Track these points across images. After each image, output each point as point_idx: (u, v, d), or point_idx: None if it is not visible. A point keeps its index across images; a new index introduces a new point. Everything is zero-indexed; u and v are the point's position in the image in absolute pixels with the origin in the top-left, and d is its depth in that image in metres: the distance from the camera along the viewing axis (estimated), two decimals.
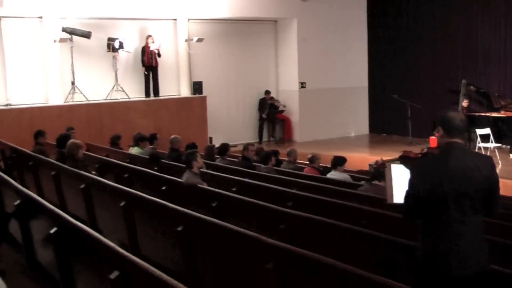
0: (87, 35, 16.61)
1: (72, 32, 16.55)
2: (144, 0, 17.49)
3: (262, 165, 11.05)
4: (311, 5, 21.08)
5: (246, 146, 11.66)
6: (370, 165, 13.97)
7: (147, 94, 18.15)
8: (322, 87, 21.69)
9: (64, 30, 16.58)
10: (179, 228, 5.33)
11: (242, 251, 4.99)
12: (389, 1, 22.45)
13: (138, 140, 12.45)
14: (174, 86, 19.20)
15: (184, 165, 8.43)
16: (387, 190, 5.13)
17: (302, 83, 21.41)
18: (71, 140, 9.14)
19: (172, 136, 11.90)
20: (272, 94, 21.29)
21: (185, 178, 7.83)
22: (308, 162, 12.14)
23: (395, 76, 22.26)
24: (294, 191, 8.14)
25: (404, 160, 9.87)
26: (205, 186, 7.64)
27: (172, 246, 5.64)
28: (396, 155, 15.95)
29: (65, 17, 16.86)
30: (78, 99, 16.64)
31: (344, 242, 5.60)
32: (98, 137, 15.47)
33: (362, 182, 9.72)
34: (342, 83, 22.24)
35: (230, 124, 20.56)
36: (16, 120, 15.41)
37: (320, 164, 12.10)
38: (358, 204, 7.48)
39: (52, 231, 4.75)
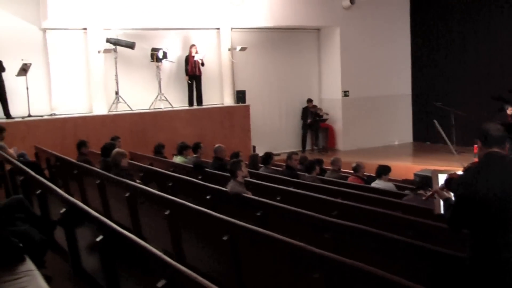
0: (131, 45, 16.78)
1: (116, 42, 16.75)
2: (188, 10, 17.58)
3: (306, 174, 10.98)
4: (354, 13, 20.99)
5: (290, 155, 11.61)
6: (415, 174, 13.79)
7: (191, 103, 18.22)
8: (365, 95, 21.54)
9: (108, 41, 16.80)
10: (225, 238, 5.29)
11: (288, 261, 4.93)
12: (432, 8, 22.17)
13: (182, 149, 12.47)
14: (217, 95, 19.30)
15: (228, 174, 8.40)
16: (434, 200, 5.02)
17: (345, 91, 21.29)
18: (116, 149, 9.20)
19: (216, 145, 11.90)
20: (315, 103, 21.25)
21: (230, 187, 7.79)
22: (352, 171, 12.04)
23: (439, 84, 21.96)
24: (338, 200, 8.05)
25: (449, 183, 9.67)
26: (250, 195, 7.59)
27: (217, 255, 5.61)
28: (441, 164, 15.76)
29: (109, 28, 17.12)
30: (122, 108, 16.79)
31: (390, 252, 5.49)
32: (142, 146, 15.58)
33: (407, 192, 9.57)
34: (385, 91, 22.05)
35: (273, 133, 20.55)
36: (61, 130, 15.61)
37: (364, 173, 11.97)
38: (403, 214, 7.35)
39: (98, 239, 4.76)
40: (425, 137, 22.44)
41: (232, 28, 19.27)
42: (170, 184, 9.01)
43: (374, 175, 11.22)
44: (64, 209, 5.91)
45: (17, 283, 4.67)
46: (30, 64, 15.45)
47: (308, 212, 6.54)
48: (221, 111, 18.46)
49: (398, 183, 11.92)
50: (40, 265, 5.42)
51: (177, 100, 18.10)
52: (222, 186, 8.14)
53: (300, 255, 4.75)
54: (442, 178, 4.94)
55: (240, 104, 18.82)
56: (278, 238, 4.98)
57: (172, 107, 17.62)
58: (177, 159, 12.32)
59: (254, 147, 18.68)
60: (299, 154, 13.86)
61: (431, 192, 4.90)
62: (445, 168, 13.67)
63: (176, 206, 6.39)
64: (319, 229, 6.15)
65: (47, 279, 4.87)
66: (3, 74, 15.37)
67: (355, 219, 6.42)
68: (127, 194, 7.36)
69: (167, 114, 17.26)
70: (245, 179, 8.28)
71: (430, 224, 6.43)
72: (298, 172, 11.47)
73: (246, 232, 5.32)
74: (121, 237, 4.57)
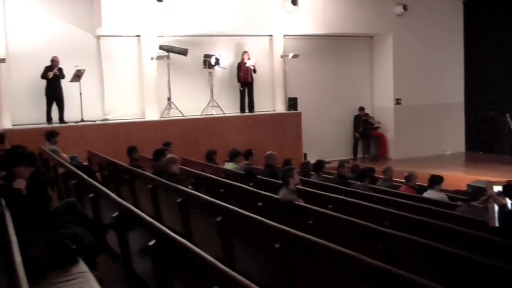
0: (184, 52, 16.93)
1: (169, 49, 16.93)
2: (240, 16, 17.67)
3: (358, 182, 10.87)
4: (407, 20, 20.78)
5: (342, 163, 11.51)
6: (468, 185, 13.50)
7: (242, 109, 18.29)
8: (417, 103, 21.29)
9: (161, 47, 17.01)
10: (277, 245, 5.25)
11: (340, 270, 4.86)
12: (486, 15, 21.78)
13: (233, 156, 12.49)
14: (269, 102, 19.31)
15: (280, 181, 8.36)
16: (489, 212, 4.89)
17: (397, 99, 21.08)
18: (169, 155, 9.27)
19: (268, 152, 11.89)
20: (367, 111, 21.09)
21: (282, 194, 7.75)
22: (404, 180, 11.88)
23: (492, 92, 21.56)
24: (390, 210, 7.93)
25: (508, 189, 9.42)
26: (302, 203, 7.54)
27: (268, 263, 5.57)
28: (494, 175, 15.43)
29: (162, 35, 17.33)
30: (173, 114, 16.95)
31: (442, 264, 5.39)
32: (193, 152, 15.66)
33: (459, 203, 9.39)
34: (437, 99, 21.76)
35: (325, 141, 20.44)
36: (113, 135, 15.85)
37: (416, 183, 11.80)
38: (455, 225, 7.20)
39: (151, 243, 4.77)
40: (478, 147, 22.03)
41: (284, 35, 19.28)
42: (221, 191, 9.01)
43: (426, 185, 11.06)
44: (116, 213, 5.96)
45: (70, 284, 4.73)
46: (84, 70, 15.76)
47: (361, 222, 6.45)
48: (273, 118, 18.46)
49: (450, 194, 11.68)
50: (92, 267, 5.48)
51: (229, 107, 18.19)
52: (273, 193, 8.10)
53: (353, 265, 4.68)
54: (497, 190, 4.84)
55: (292, 111, 18.78)
56: (331, 247, 4.92)
57: (224, 113, 17.71)
58: (229, 166, 12.34)
59: (305, 154, 18.61)
60: (351, 162, 13.72)
61: (486, 197, 4.77)
62: (499, 179, 13.43)
63: (228, 212, 6.38)
64: (371, 239, 6.08)
65: (99, 281, 4.92)
66: (62, 81, 15.72)
67: (407, 229, 6.31)
68: (179, 200, 7.38)
69: (219, 120, 17.35)
70: (297, 186, 8.24)
71: (483, 237, 6.29)
72: (350, 181, 11.35)
73: (298, 240, 5.26)
74: (174, 243, 4.58)
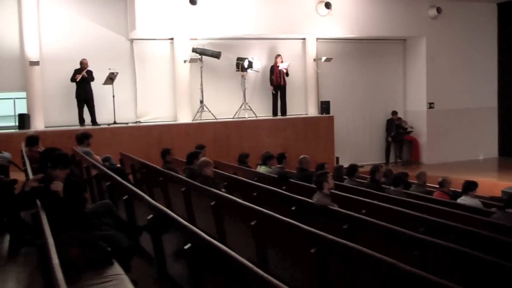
0: (217, 55, 16.99)
1: (202, 52, 17.00)
2: (274, 20, 17.67)
3: (392, 188, 10.76)
4: (440, 23, 20.59)
5: (377, 168, 11.39)
6: (503, 191, 13.33)
7: (275, 113, 18.28)
8: (450, 107, 21.08)
9: (194, 50, 17.07)
10: (312, 250, 5.21)
11: (377, 277, 4.81)
12: None
13: (266, 159, 12.43)
14: (301, 105, 19.29)
15: (313, 186, 8.31)
16: None
17: (430, 103, 20.87)
18: (203, 158, 9.26)
19: (302, 156, 11.83)
20: (400, 115, 20.90)
21: (316, 199, 7.70)
22: (437, 186, 11.74)
23: None
24: (424, 216, 7.84)
25: None
26: (336, 208, 7.48)
27: (303, 268, 5.53)
28: None
29: (195, 38, 17.40)
30: (206, 117, 17.02)
31: (478, 272, 5.30)
32: (225, 154, 15.70)
33: (494, 209, 9.24)
34: (471, 103, 21.53)
35: (357, 145, 20.39)
36: (145, 137, 15.94)
37: (450, 188, 11.65)
38: (491, 233, 7.08)
39: (186, 247, 4.76)
40: (511, 152, 21.71)
41: (317, 39, 19.26)
42: (254, 194, 8.98)
43: (460, 190, 10.92)
44: (151, 215, 5.95)
45: (105, 286, 4.74)
46: (117, 73, 15.91)
47: (396, 228, 6.38)
48: (305, 122, 18.40)
49: (485, 200, 11.52)
50: (126, 269, 5.49)
51: (261, 110, 18.21)
52: (307, 198, 8.06)
53: (390, 271, 4.62)
54: None
55: (324, 115, 18.71)
56: (369, 253, 4.86)
57: (256, 116, 17.70)
58: (261, 169, 12.31)
59: (337, 158, 18.54)
60: (383, 167, 13.62)
61: None
62: None
63: (263, 216, 6.34)
64: (407, 245, 6.02)
65: (134, 283, 4.92)
66: (92, 83, 15.85)
67: (442, 236, 6.22)
68: (212, 203, 7.36)
69: (251, 123, 17.35)
70: (331, 191, 8.18)
71: None
72: (383, 185, 11.25)
73: (335, 246, 5.20)
74: (210, 246, 4.55)
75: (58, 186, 6.01)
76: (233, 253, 4.24)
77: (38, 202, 5.95)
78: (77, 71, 15.74)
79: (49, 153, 6.74)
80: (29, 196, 5.95)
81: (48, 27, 16.14)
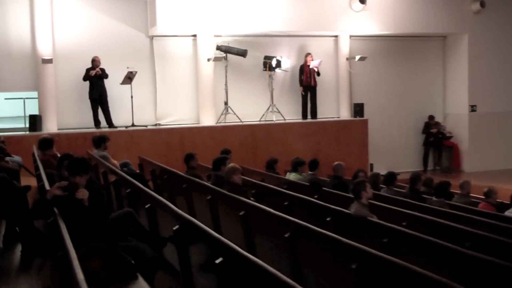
0: (243, 53, 16.96)
1: (227, 50, 16.99)
2: (304, 16, 17.64)
3: (434, 198, 10.62)
4: (484, 18, 20.36)
5: (417, 176, 11.25)
6: None
7: (304, 116, 18.24)
8: (494, 110, 20.83)
9: (218, 48, 17.08)
10: (354, 266, 5.14)
11: None
12: None
13: (297, 165, 12.36)
14: (333, 107, 19.24)
15: (349, 195, 8.23)
16: None
17: (472, 106, 20.66)
18: (230, 164, 9.22)
19: (336, 163, 11.75)
20: (439, 118, 20.78)
21: (354, 209, 7.61)
22: (483, 196, 11.59)
23: None
24: (470, 229, 7.71)
25: None
26: (376, 219, 7.39)
27: (344, 284, 5.45)
28: None
29: (220, 35, 17.44)
30: (230, 120, 17.03)
31: None
32: (251, 160, 15.69)
33: None
34: None
35: (392, 150, 20.25)
36: (166, 141, 15.98)
37: (497, 199, 11.50)
38: None
39: (217, 261, 4.70)
40: None
41: (351, 36, 19.20)
42: (285, 203, 8.91)
43: (507, 202, 10.77)
44: (177, 226, 5.91)
45: None
46: (136, 72, 15.94)
47: (442, 242, 6.27)
48: (337, 125, 18.34)
49: None
50: (150, 283, 5.45)
51: (290, 112, 18.18)
52: (341, 207, 7.98)
53: None
54: None
55: (358, 118, 18.64)
56: (416, 270, 4.77)
57: (285, 119, 17.68)
58: (291, 176, 12.24)
59: (371, 165, 18.44)
60: (423, 175, 13.48)
61: None
62: None
63: (297, 228, 6.27)
64: (453, 261, 5.93)
65: None
66: (106, 82, 15.94)
67: (491, 252, 6.11)
68: (241, 213, 7.30)
69: (279, 127, 17.31)
70: (369, 201, 8.10)
71: None
72: (424, 195, 11.11)
73: (378, 261, 5.13)
74: (244, 261, 4.50)
75: (84, 194, 5.99)
76: (271, 269, 4.17)
77: (55, 210, 5.94)
78: (89, 70, 15.81)
79: (67, 159, 6.71)
80: (49, 204, 5.93)
81: (62, 22, 16.26)
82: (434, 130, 20.38)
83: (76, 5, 16.39)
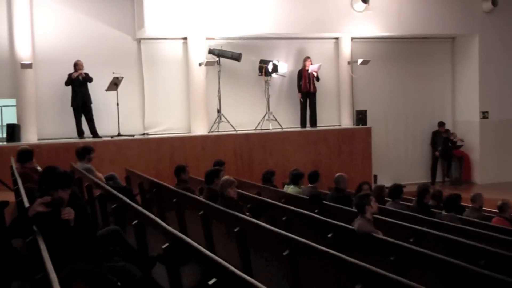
0: (237, 57, 16.97)
1: (220, 54, 16.99)
2: (302, 17, 17.67)
3: (443, 212, 10.61)
4: (496, 18, 20.41)
5: (425, 189, 11.23)
6: None
7: (303, 124, 18.26)
8: (508, 117, 20.91)
9: (211, 52, 17.09)
10: (358, 286, 5.12)
11: None
12: None
13: (295, 177, 12.37)
14: (334, 115, 19.30)
15: (352, 209, 8.22)
16: None
17: (484, 113, 20.68)
18: (225, 177, 9.19)
19: (338, 174, 11.75)
20: (448, 126, 20.75)
21: (357, 224, 7.59)
22: (496, 210, 11.59)
23: None
24: (483, 246, 7.69)
25: None
26: (381, 236, 7.36)
27: None
28: None
29: (212, 38, 17.45)
30: (224, 129, 17.01)
31: None
32: (246, 172, 15.72)
33: None
34: None
35: (398, 161, 20.31)
36: (155, 151, 15.96)
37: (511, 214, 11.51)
38: None
39: (211, 282, 4.67)
40: None
41: (352, 38, 19.25)
42: (283, 219, 8.89)
43: None
44: (167, 244, 5.87)
45: None
46: (122, 77, 15.93)
47: (454, 261, 6.25)
48: (338, 134, 18.33)
49: None
50: None
51: (287, 121, 18.23)
52: (344, 222, 7.96)
53: None
54: None
55: (361, 126, 18.67)
56: None
57: (282, 128, 17.66)
58: (289, 189, 12.24)
59: (375, 176, 18.45)
60: (431, 187, 13.46)
61: None
62: None
63: (297, 245, 6.24)
64: (466, 281, 5.93)
65: None
66: (90, 88, 15.88)
67: (506, 270, 6.10)
68: (236, 229, 7.27)
69: (276, 136, 17.30)
70: (374, 215, 8.08)
71: None
72: (433, 209, 11.10)
73: (384, 281, 5.10)
74: (240, 281, 4.47)
75: (70, 214, 5.92)
76: None
77: (35, 228, 5.89)
78: (71, 75, 15.74)
79: (49, 173, 6.65)
80: (30, 222, 5.87)
81: (42, 24, 16.25)
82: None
83: (57, 6, 16.38)
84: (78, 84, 15.69)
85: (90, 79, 15.80)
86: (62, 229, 5.86)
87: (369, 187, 11.91)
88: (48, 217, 5.88)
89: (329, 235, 7.72)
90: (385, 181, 16.03)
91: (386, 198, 11.86)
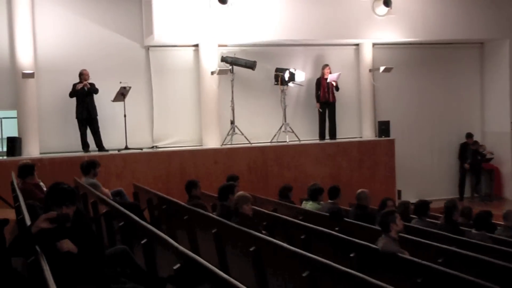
0: (251, 65, 16.99)
1: (233, 62, 17.01)
2: (321, 22, 17.70)
3: (473, 230, 10.53)
4: None
5: (453, 205, 11.15)
6: None
7: (322, 136, 18.26)
8: None
9: (224, 60, 17.11)
10: None
11: None
12: None
13: (314, 193, 12.33)
14: (354, 126, 19.31)
15: (376, 227, 8.17)
16: None
17: None
18: (239, 193, 9.16)
19: (360, 190, 11.73)
20: (476, 138, 20.67)
21: (382, 244, 7.54)
22: None
23: None
24: None
25: None
26: (407, 256, 7.31)
27: None
28: None
29: (225, 44, 17.48)
30: (238, 141, 17.04)
31: None
32: (261, 187, 15.72)
33: None
34: None
35: (423, 175, 20.23)
36: (165, 165, 15.97)
37: None
38: None
39: None
40: None
41: (374, 44, 19.24)
42: (302, 237, 8.84)
43: None
44: (178, 265, 5.84)
45: None
46: (129, 87, 15.95)
47: (486, 284, 6.20)
48: (360, 147, 18.33)
49: None
50: None
51: (305, 132, 18.24)
52: (367, 241, 7.91)
53: None
54: None
55: (383, 138, 18.63)
56: None
57: (300, 140, 17.68)
58: (308, 205, 12.21)
59: (399, 192, 18.35)
60: (460, 204, 13.39)
61: None
62: None
63: (317, 266, 6.20)
64: None
65: None
66: (96, 99, 15.93)
67: None
68: (252, 248, 7.24)
69: (293, 149, 17.31)
70: (400, 234, 8.03)
71: None
72: (462, 227, 11.02)
73: None
74: None
75: (67, 245, 5.87)
76: None
77: (37, 248, 5.86)
78: (76, 85, 15.77)
79: (54, 189, 6.63)
80: (33, 239, 5.82)
81: (45, 31, 16.33)
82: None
83: (61, 11, 16.46)
84: (83, 94, 15.71)
85: (95, 90, 15.83)
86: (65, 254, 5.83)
87: (393, 204, 11.82)
88: (53, 235, 5.85)
89: (351, 255, 7.67)
90: (410, 197, 15.94)
91: (411, 215, 11.80)
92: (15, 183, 10.97)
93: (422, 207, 11.48)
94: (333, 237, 8.66)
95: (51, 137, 16.25)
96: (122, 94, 15.82)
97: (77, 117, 15.89)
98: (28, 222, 6.54)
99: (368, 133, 19.20)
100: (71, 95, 15.79)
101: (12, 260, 6.38)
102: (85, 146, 15.92)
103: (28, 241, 5.75)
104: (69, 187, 6.65)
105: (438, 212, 13.30)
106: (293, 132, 17.56)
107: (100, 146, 15.94)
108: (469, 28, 19.65)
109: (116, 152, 15.92)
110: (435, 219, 12.38)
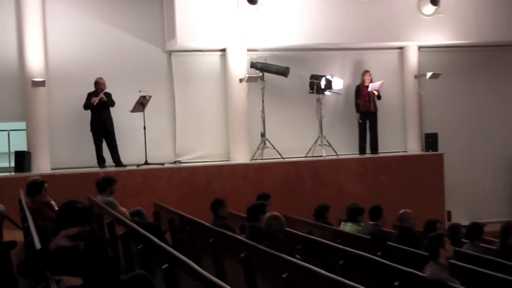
0: (284, 72, 17.01)
1: (264, 68, 17.03)
2: (360, 24, 17.71)
3: None
4: None
5: (510, 228, 11.05)
6: None
7: (362, 150, 18.28)
8: None
9: (253, 66, 17.14)
10: None
11: None
12: None
13: (354, 213, 12.28)
14: (398, 139, 19.27)
15: (423, 252, 8.12)
16: None
17: None
18: (272, 213, 9.17)
19: (402, 211, 11.59)
20: None
21: (429, 271, 7.51)
22: None
23: None
24: None
25: None
26: (458, 285, 7.25)
27: None
28: None
29: (255, 49, 17.51)
30: (269, 155, 17.08)
31: None
32: (295, 206, 15.60)
33: None
34: None
35: (476, 194, 20.06)
36: (188, 182, 16.02)
37: None
38: None
39: None
40: None
41: (420, 47, 19.18)
42: (340, 262, 8.81)
43: None
44: None
45: None
46: (150, 96, 16.04)
47: None
48: (404, 162, 18.26)
49: None
50: None
51: (343, 146, 18.26)
52: (412, 268, 7.86)
53: None
54: None
55: (430, 153, 18.54)
56: None
57: (337, 155, 17.68)
58: (347, 227, 12.16)
59: (449, 213, 18.22)
60: None
61: None
62: None
63: None
64: None
65: None
66: (113, 110, 16.06)
67: None
68: (285, 275, 7.22)
69: (330, 164, 17.29)
70: (450, 260, 7.98)
71: None
72: None
73: None
74: None
75: (70, 281, 5.86)
76: None
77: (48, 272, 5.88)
78: (91, 95, 15.86)
79: (65, 208, 6.65)
80: (49, 258, 5.81)
81: (57, 35, 16.50)
82: None
83: (74, 15, 16.62)
84: (97, 107, 15.80)
85: (112, 103, 15.95)
86: (79, 273, 5.83)
87: (443, 226, 11.73)
88: (69, 255, 5.84)
89: (396, 283, 7.64)
90: (461, 218, 15.81)
91: (463, 240, 11.71)
92: (23, 202, 11.05)
93: (475, 230, 11.37)
94: (375, 263, 8.61)
95: (63, 151, 16.37)
96: (141, 104, 15.90)
97: (92, 130, 15.99)
98: (38, 245, 6.56)
99: (414, 147, 19.14)
100: (86, 107, 15.88)
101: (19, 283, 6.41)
102: (100, 161, 16.01)
103: (44, 259, 5.74)
104: (83, 206, 6.68)
105: (493, 236, 13.17)
106: (330, 145, 17.55)
107: (117, 161, 16.03)
108: None
109: (135, 167, 16.01)
110: (489, 244, 12.29)
